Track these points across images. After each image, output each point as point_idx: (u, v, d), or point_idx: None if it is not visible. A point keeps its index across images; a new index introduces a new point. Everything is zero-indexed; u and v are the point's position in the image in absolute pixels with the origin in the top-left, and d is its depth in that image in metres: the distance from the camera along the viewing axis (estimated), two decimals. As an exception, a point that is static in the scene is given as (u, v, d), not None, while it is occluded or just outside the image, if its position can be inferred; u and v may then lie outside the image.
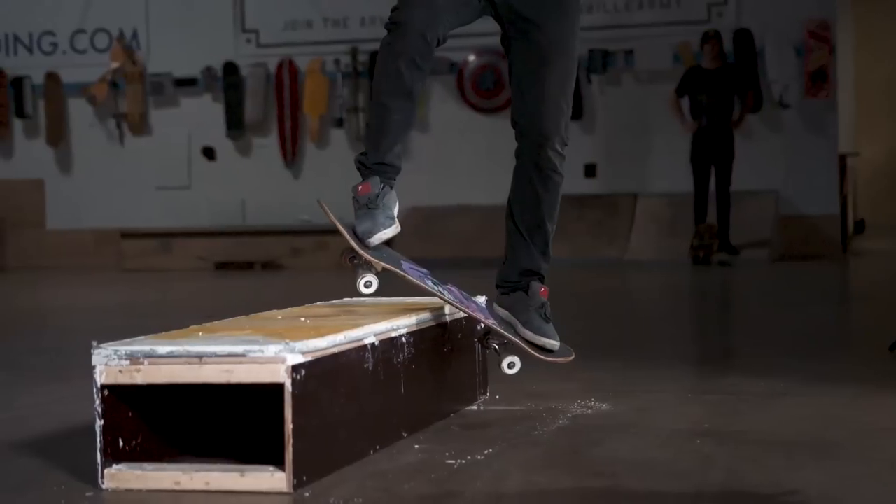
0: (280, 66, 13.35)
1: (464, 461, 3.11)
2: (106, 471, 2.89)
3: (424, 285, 3.55)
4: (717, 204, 11.40)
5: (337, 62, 13.14)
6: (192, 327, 3.23)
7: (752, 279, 9.94)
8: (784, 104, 12.26)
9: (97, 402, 2.88)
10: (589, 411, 3.78)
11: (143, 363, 2.87)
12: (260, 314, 3.60)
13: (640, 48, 12.55)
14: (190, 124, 13.57)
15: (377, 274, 3.52)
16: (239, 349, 2.83)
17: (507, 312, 3.76)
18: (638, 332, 6.60)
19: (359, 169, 3.61)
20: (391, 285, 3.70)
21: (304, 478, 2.83)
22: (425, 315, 3.56)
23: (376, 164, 3.58)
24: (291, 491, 2.80)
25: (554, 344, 3.73)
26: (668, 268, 10.98)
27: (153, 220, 13.38)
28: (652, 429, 3.51)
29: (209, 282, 11.29)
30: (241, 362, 2.82)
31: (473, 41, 11.77)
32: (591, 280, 10.09)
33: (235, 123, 13.47)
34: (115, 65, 13.56)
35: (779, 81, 12.26)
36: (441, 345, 3.67)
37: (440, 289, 3.59)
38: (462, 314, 3.71)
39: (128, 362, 2.88)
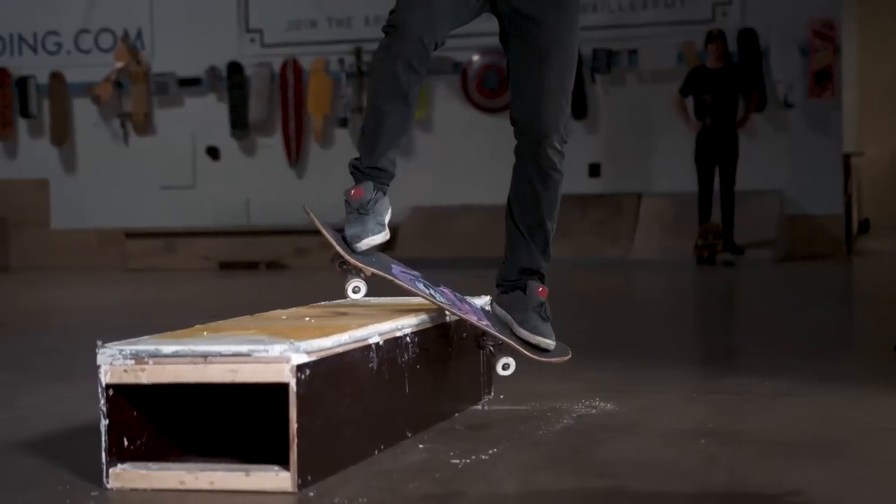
0: (284, 66, 13.36)
1: (468, 461, 3.11)
2: (111, 470, 2.89)
3: (415, 289, 3.51)
4: (722, 204, 11.39)
5: (341, 62, 13.14)
6: (197, 327, 3.23)
7: (757, 279, 9.93)
8: (788, 104, 12.25)
9: (102, 401, 2.89)
10: (593, 411, 3.78)
11: (147, 363, 2.87)
12: (264, 314, 3.60)
13: (644, 48, 12.54)
14: (194, 124, 13.58)
15: (366, 279, 3.49)
16: (244, 349, 2.83)
17: (504, 312, 3.75)
18: (642, 331, 6.59)
19: (352, 173, 3.59)
20: (390, 285, 3.69)
21: (309, 477, 2.83)
22: (430, 315, 3.56)
23: (370, 168, 3.57)
24: (296, 490, 2.80)
25: (548, 343, 3.70)
26: (672, 268, 10.97)
27: (157, 220, 13.39)
28: (656, 429, 3.51)
29: (213, 281, 11.30)
30: (245, 362, 2.83)
31: (477, 41, 11.77)
32: (595, 280, 10.09)
33: (240, 123, 13.47)
34: (119, 64, 13.57)
35: (783, 81, 12.26)
36: (445, 344, 3.67)
37: (431, 291, 3.56)
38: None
39: (132, 362, 2.88)
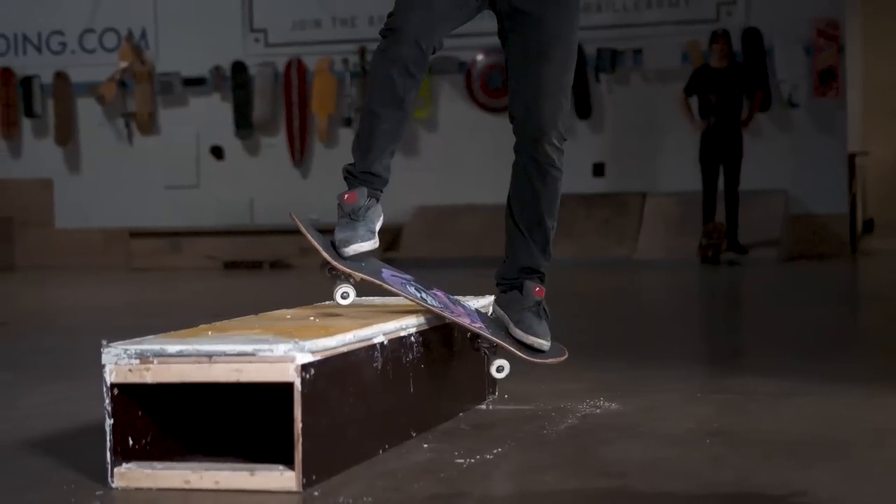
0: (288, 66, 13.36)
1: (473, 460, 3.11)
2: (116, 469, 2.89)
3: (405, 293, 3.48)
4: (726, 203, 11.38)
5: (345, 61, 13.14)
6: (202, 326, 3.23)
7: (761, 278, 9.93)
8: (793, 103, 12.24)
9: (107, 400, 2.89)
10: (598, 411, 3.77)
11: (152, 362, 2.87)
12: (269, 313, 3.60)
13: (649, 47, 12.54)
14: (198, 124, 13.58)
15: (355, 284, 3.45)
16: (248, 348, 2.83)
17: (502, 311, 3.73)
18: (646, 331, 6.59)
19: (346, 178, 3.56)
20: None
21: (314, 477, 2.83)
22: (434, 314, 3.55)
23: (363, 173, 3.54)
24: (301, 490, 2.80)
25: (542, 343, 3.66)
26: (677, 267, 10.96)
27: (162, 220, 13.40)
28: (660, 428, 3.51)
29: (218, 281, 11.30)
30: (250, 361, 2.83)
31: (482, 40, 11.77)
32: (600, 279, 10.08)
33: (244, 123, 13.48)
34: (123, 64, 13.57)
35: (787, 81, 12.25)
36: (450, 344, 3.67)
37: (423, 295, 3.52)
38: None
39: (137, 361, 2.88)
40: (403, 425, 3.34)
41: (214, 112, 13.55)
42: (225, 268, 12.51)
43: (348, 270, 3.42)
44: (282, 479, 2.82)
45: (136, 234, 13.12)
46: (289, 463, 2.82)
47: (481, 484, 2.94)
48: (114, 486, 2.89)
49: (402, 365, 3.34)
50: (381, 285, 3.47)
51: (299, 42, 13.38)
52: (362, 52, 12.94)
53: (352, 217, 3.47)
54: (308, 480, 2.81)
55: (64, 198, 13.87)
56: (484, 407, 3.89)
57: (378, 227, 3.51)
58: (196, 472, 2.87)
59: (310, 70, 13.30)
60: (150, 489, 2.87)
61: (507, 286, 3.75)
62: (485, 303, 3.88)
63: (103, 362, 2.89)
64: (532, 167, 3.68)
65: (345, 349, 3.01)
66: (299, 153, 13.34)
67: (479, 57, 12.81)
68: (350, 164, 3.58)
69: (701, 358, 5.37)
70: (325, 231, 3.51)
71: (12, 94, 13.99)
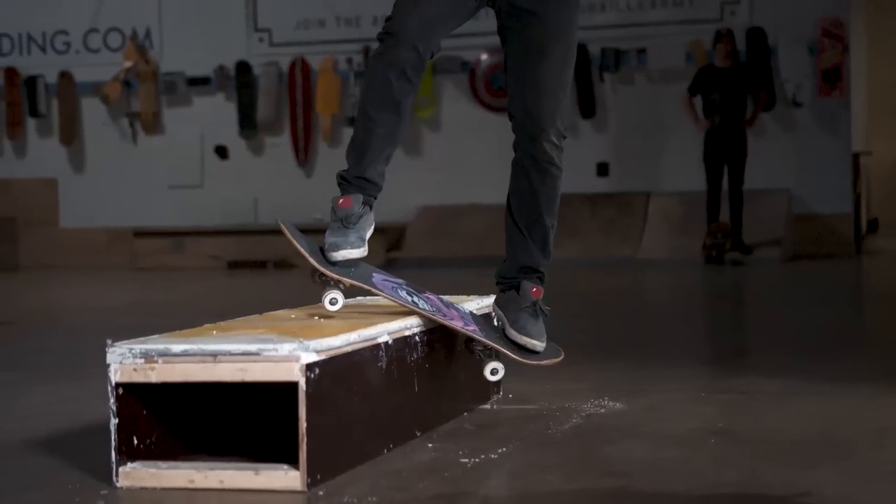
0: (292, 66, 13.37)
1: (477, 460, 3.11)
2: (120, 469, 2.89)
3: (396, 298, 3.45)
4: (730, 203, 11.38)
5: (349, 61, 13.15)
6: (206, 326, 3.23)
7: (765, 278, 9.92)
8: (797, 103, 12.24)
9: (112, 400, 2.89)
10: (602, 410, 3.77)
11: (157, 361, 2.88)
12: (273, 313, 3.60)
13: (653, 47, 12.53)
14: (202, 123, 13.59)
15: (344, 290, 3.41)
16: (253, 348, 2.83)
17: (500, 311, 3.72)
18: (650, 331, 6.59)
19: (339, 184, 3.53)
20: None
21: (318, 476, 2.84)
22: (426, 318, 3.52)
23: (357, 178, 3.51)
24: (305, 489, 2.80)
25: (535, 344, 3.62)
26: (681, 267, 10.96)
27: (166, 220, 13.41)
28: (665, 428, 3.51)
29: (222, 281, 11.31)
30: (255, 361, 2.83)
31: (485, 40, 11.74)
32: (604, 279, 10.08)
33: (248, 122, 13.48)
34: (128, 64, 13.58)
35: (792, 80, 12.24)
36: (454, 344, 3.67)
37: (414, 299, 3.49)
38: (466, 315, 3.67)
39: (142, 361, 2.88)
40: (408, 425, 3.35)
41: (218, 112, 13.56)
42: (229, 267, 12.52)
43: (338, 276, 3.38)
44: (286, 478, 2.82)
45: (141, 233, 13.13)
46: (293, 462, 2.82)
47: (485, 483, 2.95)
48: (118, 485, 2.89)
49: (407, 364, 3.34)
50: (369, 289, 3.44)
51: (303, 42, 13.39)
52: (366, 52, 12.94)
53: (344, 223, 3.43)
54: (313, 480, 2.82)
55: (68, 197, 13.88)
56: (488, 407, 3.89)
57: (369, 235, 3.47)
58: (200, 471, 2.88)
59: (314, 70, 13.31)
60: (154, 488, 2.87)
61: (506, 286, 3.73)
62: (487, 303, 3.87)
63: (108, 362, 2.89)
64: (531, 165, 3.66)
65: (349, 349, 3.01)
66: (303, 153, 13.35)
67: (483, 56, 12.82)
68: (344, 170, 3.55)
69: (705, 358, 5.37)
70: (325, 231, 3.49)
71: (17, 94, 14.00)
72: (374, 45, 3.56)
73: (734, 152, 11.39)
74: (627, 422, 3.60)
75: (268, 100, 13.40)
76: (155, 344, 2.90)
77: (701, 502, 2.72)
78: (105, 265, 13.16)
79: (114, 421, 2.89)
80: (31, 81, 13.94)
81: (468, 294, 4.04)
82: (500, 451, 3.22)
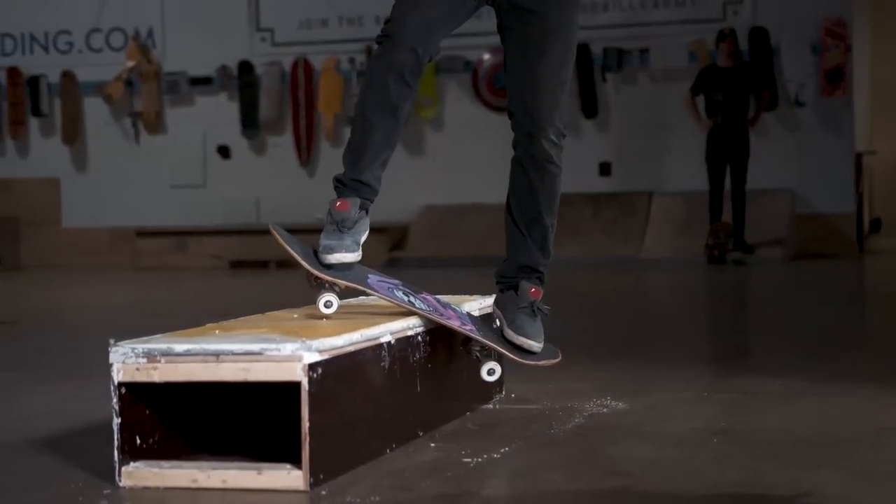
0: (295, 65, 13.37)
1: (480, 460, 3.11)
2: (123, 468, 2.90)
3: (393, 298, 3.44)
4: (733, 202, 11.37)
5: (352, 61, 13.15)
6: (209, 325, 3.23)
7: (768, 278, 9.92)
8: (800, 102, 12.23)
9: (114, 399, 2.89)
10: (605, 410, 3.77)
11: (160, 361, 2.88)
12: (275, 312, 3.60)
13: (656, 47, 12.53)
14: (205, 123, 13.59)
15: (339, 293, 3.40)
16: (255, 347, 2.84)
17: (499, 311, 3.71)
18: (653, 331, 6.59)
19: (335, 187, 3.51)
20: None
21: (321, 476, 2.84)
22: (423, 318, 3.52)
23: (353, 181, 3.49)
24: (308, 489, 2.80)
25: (531, 345, 3.61)
26: (683, 267, 10.96)
27: (168, 219, 13.41)
28: (668, 428, 3.51)
29: (224, 280, 11.31)
30: (257, 360, 2.83)
31: (488, 39, 11.72)
32: (606, 279, 10.08)
33: (250, 122, 13.49)
34: (130, 63, 13.59)
35: (794, 80, 12.24)
36: (456, 343, 3.66)
37: (411, 299, 3.48)
38: (465, 316, 3.66)
39: (145, 360, 2.88)
40: (410, 424, 3.35)
41: (221, 111, 13.56)
42: (231, 267, 12.52)
43: (333, 279, 3.37)
44: (289, 478, 2.82)
45: (143, 233, 13.14)
46: (296, 462, 2.82)
47: (488, 483, 2.95)
48: (121, 485, 2.89)
49: (410, 364, 3.34)
50: (364, 290, 3.42)
51: (306, 41, 13.39)
52: (369, 52, 12.94)
53: (340, 226, 3.40)
54: (315, 479, 2.82)
55: (71, 197, 13.89)
56: (491, 406, 3.89)
57: (363, 239, 3.45)
58: (203, 470, 2.88)
59: (316, 69, 13.31)
60: (157, 488, 2.88)
61: (505, 285, 3.72)
62: (489, 303, 3.87)
63: (111, 361, 2.90)
64: (529, 163, 3.64)
65: (352, 348, 3.02)
66: (306, 152, 13.35)
67: (486, 56, 12.82)
68: (340, 174, 3.53)
69: (707, 357, 5.37)
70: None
71: (19, 94, 14.01)
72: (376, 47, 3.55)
73: (737, 152, 11.39)
74: (630, 421, 3.60)
75: (270, 99, 13.40)
76: (158, 343, 2.91)
77: (703, 502, 2.71)
78: (107, 265, 13.16)
79: (117, 420, 2.89)
80: (34, 81, 13.95)
81: (471, 294, 4.04)
82: (502, 450, 3.22)
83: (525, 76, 3.60)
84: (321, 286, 3.39)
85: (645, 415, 3.71)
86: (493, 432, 3.48)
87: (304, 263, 3.37)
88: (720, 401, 4.04)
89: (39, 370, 5.12)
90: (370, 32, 12.95)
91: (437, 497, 2.77)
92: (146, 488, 2.88)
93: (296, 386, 2.80)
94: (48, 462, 3.22)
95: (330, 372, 2.87)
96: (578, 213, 12.06)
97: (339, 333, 2.98)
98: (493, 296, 3.84)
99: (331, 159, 13.20)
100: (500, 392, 4.02)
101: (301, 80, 13.36)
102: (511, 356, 3.62)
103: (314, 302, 3.38)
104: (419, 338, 3.40)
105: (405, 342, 3.31)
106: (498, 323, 3.68)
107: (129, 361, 2.89)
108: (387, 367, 3.20)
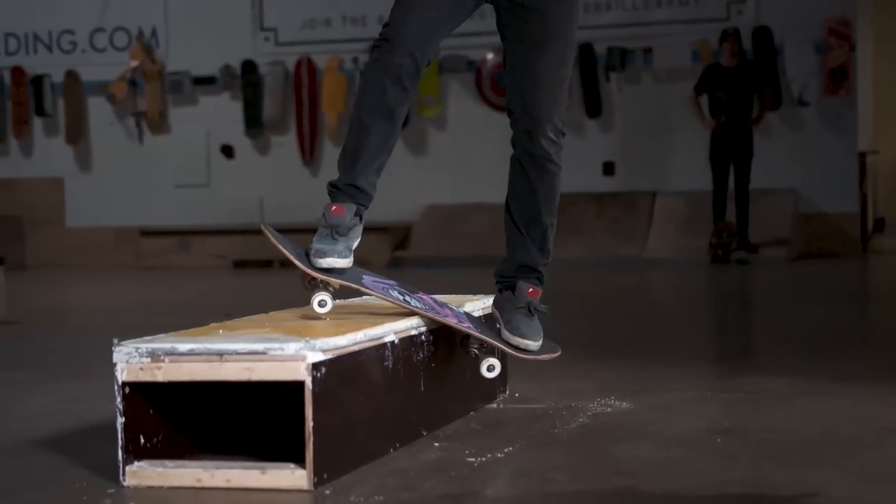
0: (298, 65, 13.37)
1: (484, 459, 3.11)
2: (127, 468, 2.90)
3: (388, 297, 3.43)
4: (736, 202, 11.37)
5: (355, 60, 13.15)
6: (213, 325, 3.23)
7: (771, 278, 9.91)
8: (803, 102, 12.23)
9: (118, 399, 2.89)
10: (609, 410, 3.77)
11: (163, 361, 2.88)
12: (279, 312, 3.60)
13: (659, 46, 12.52)
14: (208, 122, 13.60)
15: (333, 292, 3.39)
16: (259, 347, 2.84)
17: (497, 311, 3.69)
18: (657, 330, 6.59)
19: (330, 192, 3.49)
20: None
21: (325, 475, 2.84)
22: (420, 316, 3.51)
23: (347, 185, 3.47)
24: (312, 488, 2.80)
25: (530, 344, 3.59)
26: (687, 266, 10.95)
27: (172, 219, 13.41)
28: (672, 427, 3.50)
29: (228, 280, 11.32)
30: (261, 360, 2.83)
31: (491, 39, 11.64)
32: (609, 279, 10.08)
33: (254, 122, 13.49)
34: (134, 63, 13.59)
35: (798, 79, 12.23)
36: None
37: (407, 298, 3.47)
38: (464, 317, 3.65)
39: (149, 360, 2.88)
40: (414, 424, 3.35)
41: (224, 111, 13.56)
42: (235, 267, 12.52)
43: (327, 279, 3.37)
44: (293, 477, 2.82)
45: (147, 233, 13.14)
46: (300, 461, 2.82)
47: (492, 483, 2.95)
48: (125, 484, 2.89)
49: (413, 364, 3.34)
50: (359, 289, 3.42)
51: (309, 41, 13.38)
52: (372, 52, 12.93)
53: (334, 232, 3.40)
54: (319, 479, 2.82)
55: (74, 196, 13.90)
56: (494, 406, 3.89)
57: (355, 245, 3.45)
58: (207, 470, 2.88)
59: (319, 69, 13.31)
60: (161, 487, 2.88)
61: (504, 285, 3.70)
62: (490, 303, 3.85)
63: (115, 361, 2.90)
64: (528, 161, 3.62)
65: (355, 348, 3.02)
66: (309, 152, 13.35)
67: (489, 56, 12.81)
68: (334, 179, 3.51)
69: (711, 357, 5.36)
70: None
71: (23, 94, 14.01)
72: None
73: (740, 151, 11.38)
74: (634, 421, 3.60)
75: (273, 99, 13.40)
76: (161, 343, 2.91)
77: (707, 502, 2.71)
78: (111, 264, 13.17)
79: (120, 420, 2.89)
80: (38, 81, 13.95)
81: (474, 294, 4.04)
82: (506, 450, 3.21)
83: (524, 74, 3.59)
84: (315, 286, 3.38)
85: (649, 414, 3.70)
86: (497, 432, 3.48)
87: (297, 262, 3.37)
88: (724, 400, 4.04)
89: (42, 370, 5.13)
90: (373, 32, 12.89)
91: (441, 497, 2.77)
92: (150, 488, 2.88)
93: (299, 385, 2.80)
94: (51, 461, 3.23)
95: (333, 371, 2.87)
96: (582, 213, 12.05)
97: (342, 333, 2.98)
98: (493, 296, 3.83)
99: (334, 159, 12.94)
100: (504, 391, 4.02)
101: (304, 79, 13.36)
102: (509, 351, 3.62)
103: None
104: (422, 337, 3.40)
105: (409, 342, 3.31)
106: (497, 324, 3.67)
107: (132, 361, 2.89)
108: (390, 366, 3.20)
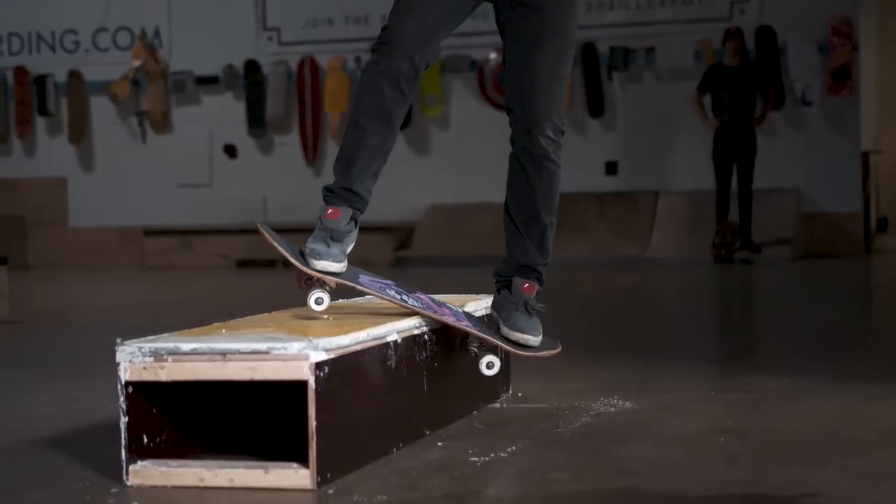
0: (301, 64, 13.38)
1: (487, 459, 3.11)
2: (130, 467, 2.90)
3: (385, 296, 3.43)
4: (739, 202, 11.37)
5: (358, 60, 13.15)
6: (216, 324, 3.23)
7: (774, 277, 9.91)
8: (806, 101, 12.22)
9: (121, 398, 2.89)
10: (612, 409, 3.77)
11: (167, 360, 2.88)
12: (282, 311, 3.60)
13: (662, 46, 12.52)
14: (211, 122, 13.61)
15: (330, 291, 3.39)
16: (262, 346, 2.84)
17: (495, 311, 3.67)
18: (659, 330, 6.58)
19: (325, 196, 3.48)
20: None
21: (328, 475, 2.84)
22: (418, 314, 3.51)
23: (343, 188, 3.45)
24: (315, 488, 2.80)
25: (529, 339, 3.58)
26: (690, 266, 10.95)
27: (175, 218, 13.42)
28: (675, 427, 3.50)
29: (231, 279, 11.32)
30: (264, 359, 2.83)
31: (494, 38, 11.67)
32: (612, 278, 10.07)
33: (257, 121, 13.49)
34: (137, 63, 13.60)
35: (801, 79, 12.23)
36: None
37: (404, 297, 3.47)
38: (463, 317, 3.65)
39: (152, 359, 2.88)
40: (417, 423, 3.35)
41: (227, 110, 13.57)
42: (238, 266, 12.53)
43: (324, 277, 3.36)
44: (296, 476, 2.82)
45: (149, 232, 13.15)
46: (303, 461, 2.83)
47: (495, 482, 2.94)
48: (129, 483, 2.89)
49: (416, 363, 3.34)
50: (356, 287, 3.42)
51: (312, 40, 13.39)
52: (371, 53, 12.93)
53: (331, 236, 3.40)
54: (322, 478, 2.82)
55: (77, 196, 13.91)
56: (497, 405, 3.89)
57: (349, 249, 3.44)
58: (210, 469, 2.88)
59: (322, 68, 13.32)
60: (164, 487, 2.88)
61: (502, 285, 3.70)
62: (488, 303, 3.85)
63: (118, 360, 2.90)
64: (526, 159, 3.61)
65: (358, 347, 3.02)
66: (312, 151, 13.36)
67: (492, 55, 12.81)
68: (330, 184, 3.50)
69: (714, 357, 5.36)
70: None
71: (26, 93, 14.03)
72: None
73: (743, 151, 11.38)
74: (637, 421, 3.59)
75: (276, 99, 13.41)
76: (164, 342, 2.91)
77: (710, 502, 2.71)
78: (114, 264, 13.18)
79: (124, 419, 2.89)
80: (41, 80, 13.97)
81: (477, 293, 4.04)
82: (509, 449, 3.21)
83: (522, 71, 3.58)
84: (311, 285, 3.39)
85: (652, 414, 3.70)
86: (500, 431, 3.48)
87: (293, 261, 3.37)
88: (726, 400, 4.03)
89: (44, 369, 5.13)
90: (376, 31, 12.76)
91: (444, 496, 2.77)
92: (153, 487, 2.88)
93: (303, 385, 2.80)
94: (54, 461, 3.23)
95: (337, 371, 2.87)
96: (584, 213, 12.06)
97: (345, 332, 2.98)
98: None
99: (337, 158, 13.19)
100: (507, 391, 4.02)
101: (307, 79, 13.37)
102: (510, 349, 3.61)
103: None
104: (425, 337, 3.40)
105: (411, 341, 3.31)
106: (497, 324, 3.67)
107: (136, 360, 2.89)
108: (393, 366, 3.20)
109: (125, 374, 2.89)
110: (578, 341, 5.06)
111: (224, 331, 3.08)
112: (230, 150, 13.60)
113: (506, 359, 3.94)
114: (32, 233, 13.87)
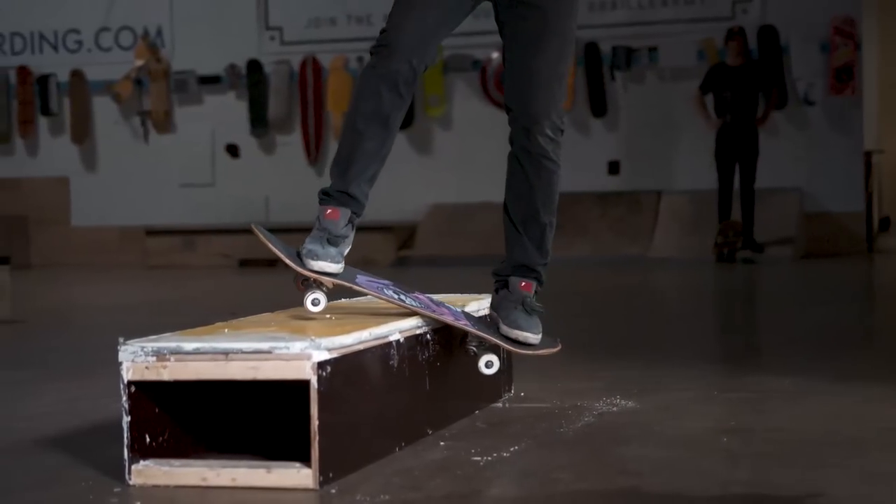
0: (304, 64, 13.37)
1: (489, 458, 3.11)
2: (133, 467, 2.90)
3: (383, 296, 3.43)
4: (742, 201, 11.36)
5: (360, 59, 13.14)
6: (218, 324, 3.24)
7: (777, 277, 9.91)
8: (809, 101, 12.21)
9: (124, 398, 2.89)
10: (614, 409, 3.77)
11: (169, 360, 2.88)
12: (284, 311, 3.60)
13: (664, 45, 12.52)
14: (214, 122, 13.61)
15: (326, 291, 3.39)
16: (265, 346, 2.84)
17: (494, 311, 3.66)
18: (662, 330, 6.58)
19: (321, 200, 3.47)
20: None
21: (331, 474, 2.84)
22: (417, 314, 3.50)
23: (339, 192, 3.45)
24: (318, 487, 2.81)
25: (528, 337, 3.56)
26: (692, 265, 10.95)
27: (177, 218, 13.42)
28: (677, 427, 3.50)
29: (233, 279, 11.32)
30: (266, 359, 2.83)
31: (496, 38, 11.68)
32: (614, 278, 10.07)
33: (259, 121, 13.49)
34: (139, 62, 13.60)
35: (803, 78, 12.22)
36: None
37: (402, 297, 3.46)
38: (463, 317, 3.65)
39: (154, 359, 2.89)
40: (419, 423, 3.35)
41: (230, 110, 13.57)
42: (240, 266, 12.53)
43: (321, 277, 3.36)
44: (299, 476, 2.82)
45: (152, 232, 13.15)
46: (306, 460, 2.83)
47: (497, 482, 2.95)
48: (131, 483, 2.90)
49: (418, 363, 3.34)
50: (354, 287, 3.42)
51: (314, 40, 13.39)
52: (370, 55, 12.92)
53: (327, 238, 3.40)
54: (325, 478, 2.82)
55: (80, 196, 13.91)
56: (500, 405, 3.89)
57: (347, 251, 3.44)
58: (213, 469, 2.88)
59: (325, 68, 13.31)
60: (167, 486, 2.88)
61: (500, 284, 3.69)
62: (488, 303, 3.84)
63: (120, 360, 2.90)
64: (525, 158, 3.60)
65: (361, 347, 3.02)
66: (314, 151, 13.36)
67: (494, 55, 12.80)
68: (326, 187, 3.49)
69: (716, 356, 5.36)
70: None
71: (29, 93, 14.02)
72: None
73: (745, 150, 11.37)
74: (639, 420, 3.59)
75: (279, 98, 13.41)
76: (167, 342, 2.91)
77: (712, 502, 2.71)
78: (116, 264, 13.18)
79: (126, 419, 2.89)
80: (43, 80, 13.97)
81: (479, 293, 4.03)
82: (511, 449, 3.22)
83: (522, 70, 3.57)
84: (308, 285, 3.38)
85: (654, 414, 3.70)
86: (503, 431, 3.48)
87: (291, 264, 3.37)
88: (729, 400, 4.03)
89: (46, 369, 5.13)
90: (378, 31, 12.93)
91: (447, 496, 2.77)
92: (156, 486, 2.88)
93: (305, 384, 2.80)
94: (56, 461, 3.23)
95: (339, 370, 2.88)
96: (586, 212, 12.05)
97: (347, 332, 2.99)
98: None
99: (339, 158, 13.18)
100: (509, 391, 4.03)
101: (310, 78, 13.37)
102: (510, 347, 3.60)
103: (329, 298, 3.38)
104: (427, 336, 3.40)
105: (414, 340, 3.31)
106: (497, 323, 3.66)
107: (138, 360, 2.89)
108: (396, 365, 3.20)
109: (127, 374, 2.89)
110: (580, 341, 5.07)
111: (226, 330, 3.08)
112: (232, 150, 13.60)
113: (508, 358, 3.95)
114: (35, 232, 13.87)
